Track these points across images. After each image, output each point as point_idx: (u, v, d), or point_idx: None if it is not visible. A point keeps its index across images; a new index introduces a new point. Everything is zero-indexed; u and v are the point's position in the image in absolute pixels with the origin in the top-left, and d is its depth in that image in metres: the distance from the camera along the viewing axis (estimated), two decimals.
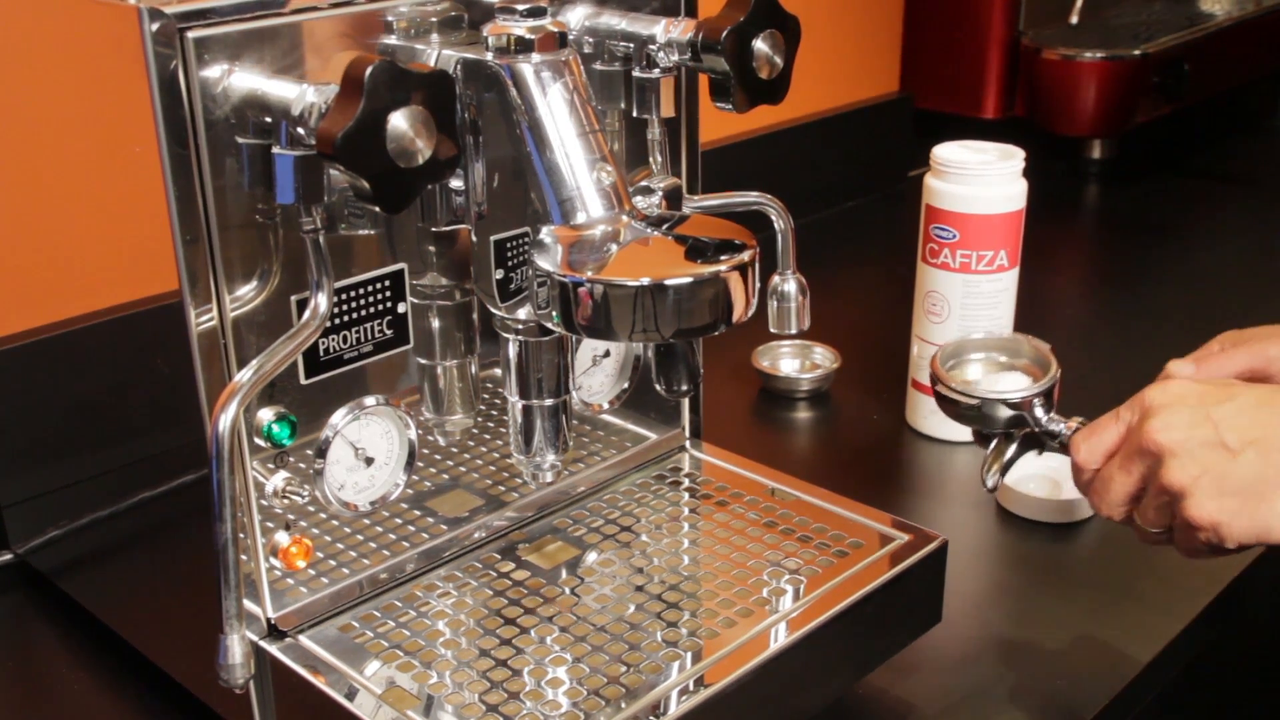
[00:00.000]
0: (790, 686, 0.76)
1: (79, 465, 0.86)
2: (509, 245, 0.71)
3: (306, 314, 0.67)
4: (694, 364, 0.75)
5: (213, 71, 0.64)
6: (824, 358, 1.27)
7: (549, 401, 0.73)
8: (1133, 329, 1.38)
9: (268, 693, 0.74)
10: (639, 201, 0.77)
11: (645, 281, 0.62)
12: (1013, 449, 0.83)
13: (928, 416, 1.15)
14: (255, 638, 0.74)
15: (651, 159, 0.79)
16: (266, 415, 0.71)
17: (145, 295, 0.71)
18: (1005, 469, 0.83)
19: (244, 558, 0.71)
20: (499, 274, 0.72)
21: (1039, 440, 0.82)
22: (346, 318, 0.74)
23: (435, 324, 0.77)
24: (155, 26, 0.62)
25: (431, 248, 0.75)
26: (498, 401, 0.84)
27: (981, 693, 0.85)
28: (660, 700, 0.70)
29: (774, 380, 1.24)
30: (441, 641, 0.75)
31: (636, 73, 0.76)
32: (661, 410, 0.93)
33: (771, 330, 0.87)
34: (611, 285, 0.62)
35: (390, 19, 0.71)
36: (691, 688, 0.71)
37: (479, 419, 0.83)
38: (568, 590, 0.80)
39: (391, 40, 0.71)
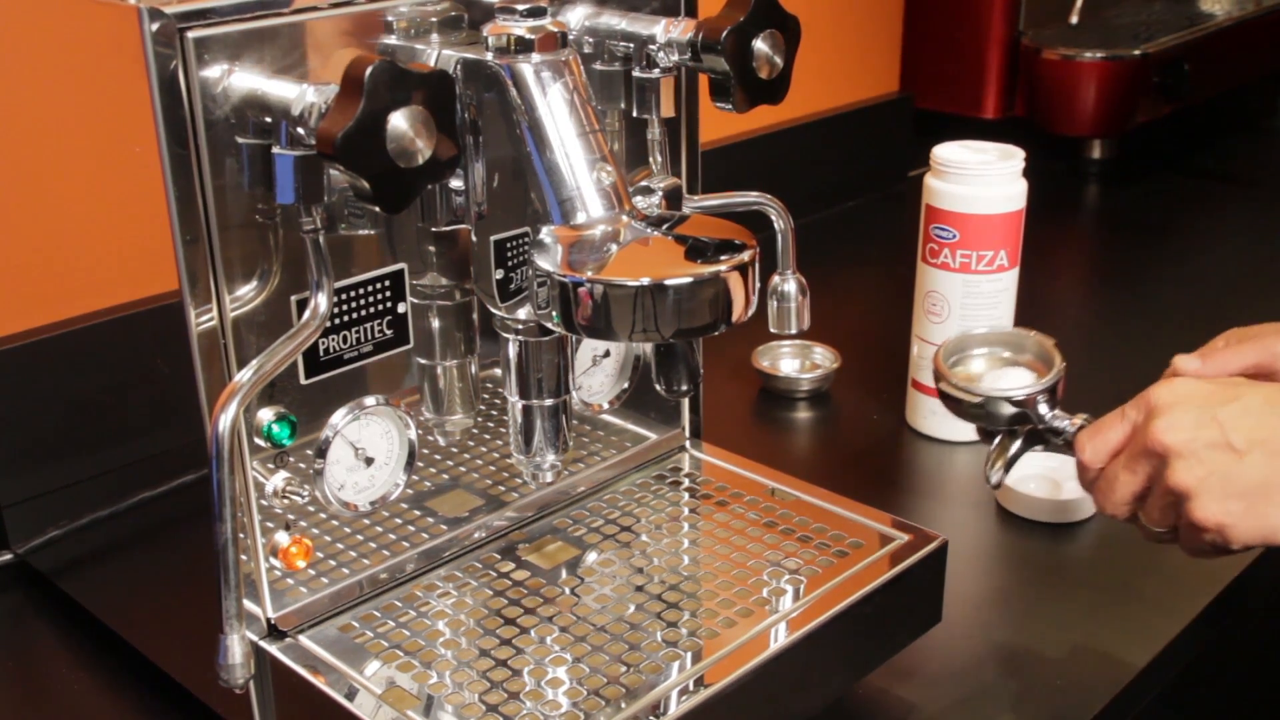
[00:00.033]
0: (790, 686, 0.76)
1: (79, 465, 0.86)
2: (509, 245, 0.71)
3: (306, 314, 0.67)
4: (694, 364, 0.75)
5: (213, 71, 0.64)
6: (824, 358, 1.27)
7: (549, 401, 0.73)
8: (1133, 329, 1.38)
9: (268, 693, 0.74)
10: (639, 201, 0.77)
11: (645, 281, 0.62)
12: (1017, 445, 0.82)
13: (928, 416, 1.15)
14: (255, 638, 0.74)
15: (651, 159, 0.79)
16: (266, 415, 0.71)
17: (145, 295, 0.71)
18: (1009, 465, 0.82)
19: (244, 558, 0.72)
20: (499, 274, 0.72)
21: (1044, 436, 0.81)
22: (346, 318, 0.74)
23: (435, 324, 0.77)
24: (155, 26, 0.62)
25: (431, 248, 0.75)
26: (498, 401, 0.84)
27: (981, 693, 0.85)
28: (660, 700, 0.70)
29: (774, 380, 1.24)
30: (441, 641, 0.75)
31: (636, 73, 0.76)
32: (661, 410, 0.93)
33: (771, 330, 0.87)
34: (611, 285, 0.62)
35: (390, 19, 0.71)
36: (691, 688, 0.71)
37: (479, 419, 0.83)
38: (568, 590, 0.80)
39: (391, 40, 0.71)
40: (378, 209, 0.62)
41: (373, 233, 0.73)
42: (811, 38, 0.85)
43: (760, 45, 0.75)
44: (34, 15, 0.73)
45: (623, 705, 0.70)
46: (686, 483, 0.91)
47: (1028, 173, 1.09)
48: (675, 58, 0.75)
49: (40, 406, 0.88)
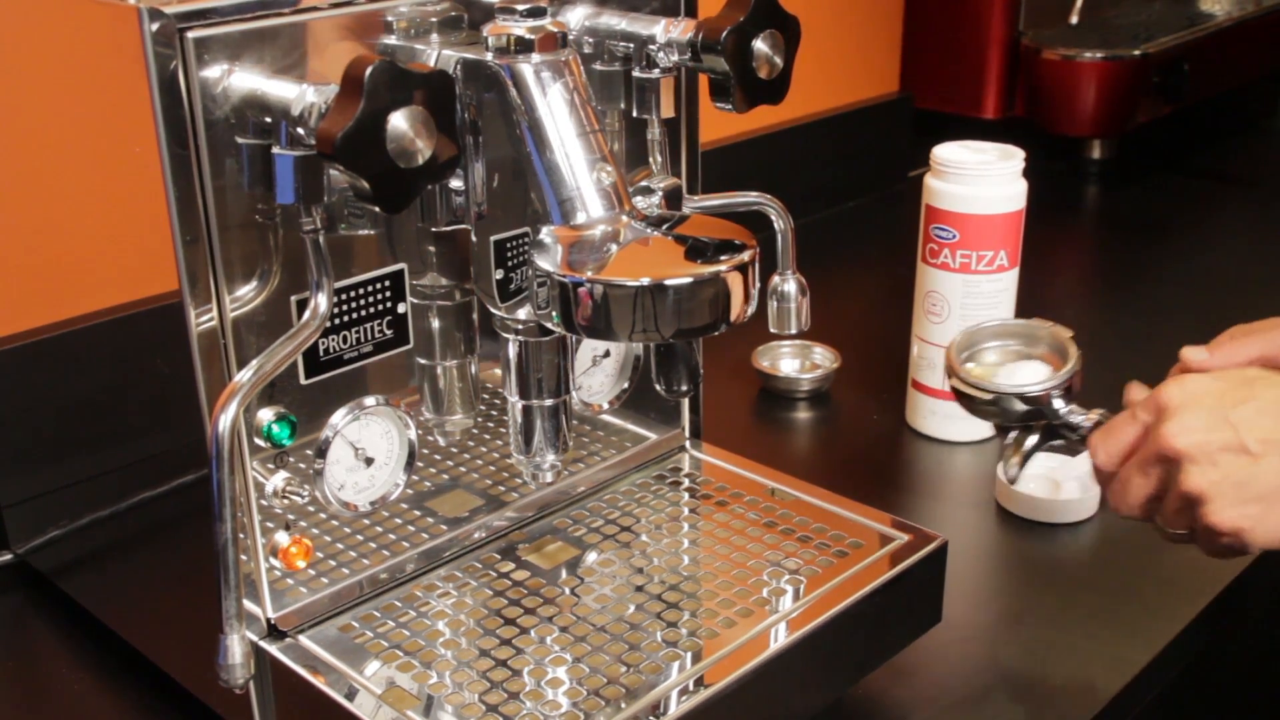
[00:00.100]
0: (790, 686, 0.76)
1: (79, 465, 0.86)
2: (509, 245, 0.71)
3: (306, 314, 0.67)
4: (694, 364, 0.75)
5: (213, 72, 0.64)
6: (824, 358, 1.27)
7: (549, 401, 0.73)
8: (1133, 329, 1.38)
9: (268, 693, 0.74)
10: (639, 201, 0.77)
11: (645, 281, 0.62)
12: (1033, 440, 0.80)
13: (928, 416, 1.15)
14: (255, 638, 0.74)
15: (651, 159, 0.79)
16: (266, 415, 0.71)
17: (145, 295, 0.71)
18: (1025, 460, 0.80)
19: (244, 558, 0.72)
20: (499, 274, 0.72)
21: (1059, 432, 0.79)
22: (346, 318, 0.74)
23: (435, 324, 0.77)
24: (155, 26, 0.62)
25: (431, 248, 0.75)
26: (498, 401, 0.84)
27: (981, 693, 0.85)
28: (660, 700, 0.70)
29: (774, 380, 1.24)
30: (441, 641, 0.75)
31: (636, 73, 0.76)
32: (661, 410, 0.93)
33: (771, 330, 0.87)
34: (611, 285, 0.62)
35: (390, 19, 0.71)
36: (691, 688, 0.71)
37: (479, 419, 0.83)
38: (568, 590, 0.80)
39: (391, 40, 0.71)
40: (378, 209, 0.62)
41: (373, 233, 0.73)
42: (811, 38, 0.85)
43: (760, 45, 0.75)
44: (34, 15, 0.73)
45: (623, 705, 0.70)
46: (686, 483, 0.91)
47: (1028, 173, 1.09)
48: (675, 58, 0.75)
49: (40, 406, 0.88)
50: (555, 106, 0.67)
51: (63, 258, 0.80)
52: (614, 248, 0.65)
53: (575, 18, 0.77)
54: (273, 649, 0.74)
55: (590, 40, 0.77)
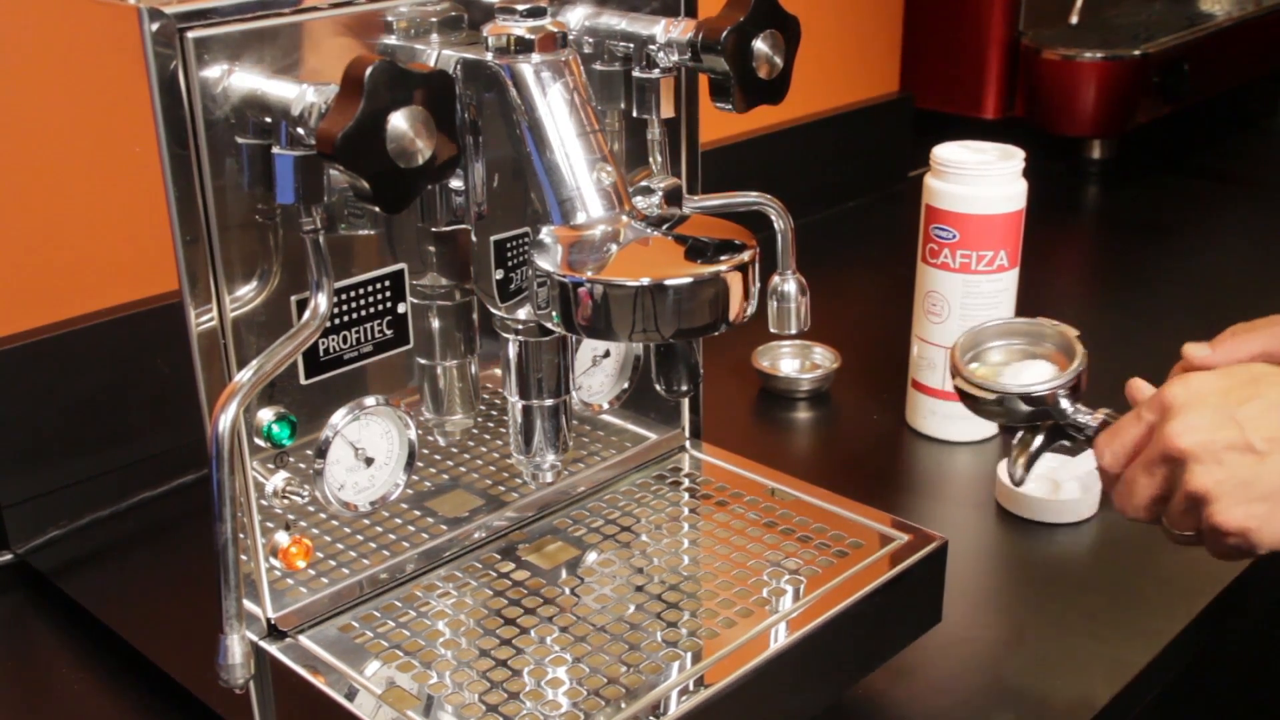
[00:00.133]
0: (790, 686, 0.76)
1: (79, 465, 0.86)
2: (509, 245, 0.71)
3: (306, 314, 0.67)
4: (694, 364, 0.75)
5: (213, 72, 0.64)
6: (824, 358, 1.27)
7: (549, 401, 0.73)
8: (1132, 329, 1.38)
9: (268, 693, 0.74)
10: (639, 201, 0.77)
11: (645, 281, 0.62)
12: (1039, 441, 0.79)
13: (928, 416, 1.15)
14: (255, 638, 0.74)
15: (651, 159, 0.79)
16: (266, 415, 0.71)
17: (145, 295, 0.71)
18: (1032, 461, 0.79)
19: (244, 558, 0.72)
20: (499, 274, 0.72)
21: (1066, 432, 0.78)
22: (346, 318, 0.74)
23: (435, 324, 0.77)
24: (155, 26, 0.62)
25: (431, 248, 0.75)
26: (498, 401, 0.84)
27: (981, 693, 0.85)
28: (660, 700, 0.70)
29: (774, 380, 1.24)
30: (441, 641, 0.75)
31: (636, 73, 0.76)
32: (661, 410, 0.93)
33: (771, 330, 0.87)
34: (611, 285, 0.62)
35: (390, 19, 0.71)
36: (691, 688, 0.71)
37: (479, 419, 0.83)
38: (568, 590, 0.80)
39: (391, 40, 0.71)
40: (378, 209, 0.62)
41: (373, 233, 0.73)
42: (811, 38, 0.85)
43: (760, 45, 0.75)
44: (34, 15, 0.73)
45: (623, 705, 0.70)
46: (686, 483, 0.91)
47: (1027, 173, 1.09)
48: (675, 58, 0.75)
49: (40, 406, 0.88)
50: (555, 106, 0.67)
51: (63, 258, 0.80)
52: (614, 248, 0.65)
53: (575, 18, 0.77)
54: (273, 649, 0.74)
55: (590, 40, 0.77)
